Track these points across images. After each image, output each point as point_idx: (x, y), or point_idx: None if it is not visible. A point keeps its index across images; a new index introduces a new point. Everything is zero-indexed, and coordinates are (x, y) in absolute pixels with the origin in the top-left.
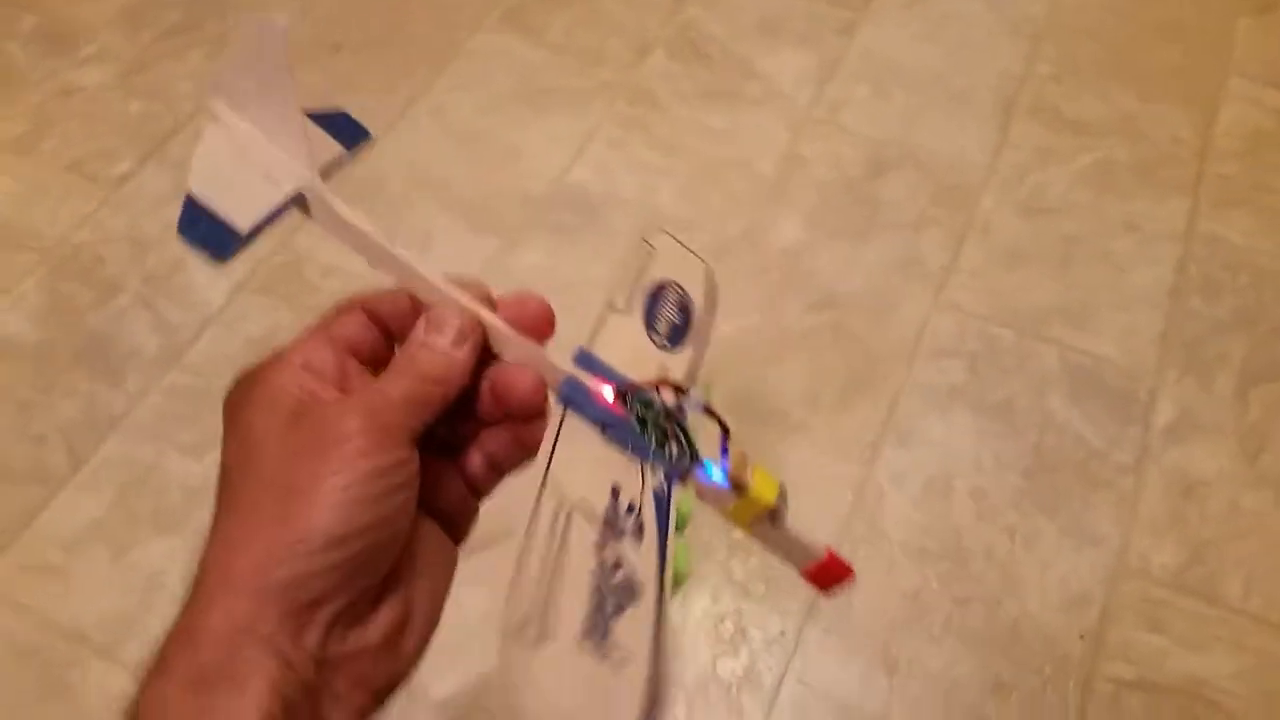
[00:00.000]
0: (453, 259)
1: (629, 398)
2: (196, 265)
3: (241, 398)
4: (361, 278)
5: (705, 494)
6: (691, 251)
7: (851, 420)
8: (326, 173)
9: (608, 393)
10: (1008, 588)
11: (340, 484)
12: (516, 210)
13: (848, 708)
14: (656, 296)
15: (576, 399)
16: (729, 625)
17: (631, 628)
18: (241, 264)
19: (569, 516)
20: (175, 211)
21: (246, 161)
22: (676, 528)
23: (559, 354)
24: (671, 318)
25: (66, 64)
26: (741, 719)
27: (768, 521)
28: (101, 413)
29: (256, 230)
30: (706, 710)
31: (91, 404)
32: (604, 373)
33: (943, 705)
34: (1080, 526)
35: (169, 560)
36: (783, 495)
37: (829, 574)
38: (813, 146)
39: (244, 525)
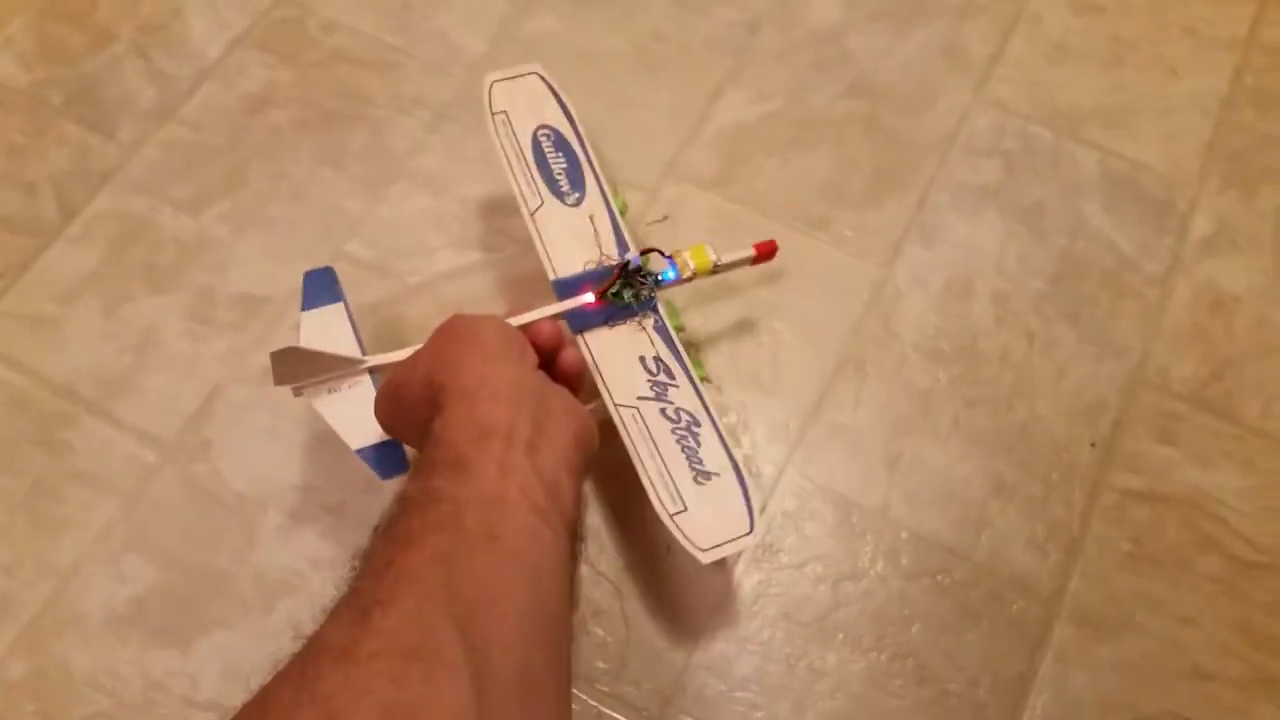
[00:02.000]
0: (465, 20)
1: (605, 290)
2: (193, 14)
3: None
4: (364, 34)
5: (671, 290)
6: (519, 75)
7: (877, 217)
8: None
9: (590, 297)
10: (1020, 392)
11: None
12: None
13: (846, 500)
14: (538, 154)
15: (580, 321)
16: (734, 416)
17: (710, 449)
18: (241, 16)
19: (638, 411)
20: None
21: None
22: (676, 332)
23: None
24: (560, 164)
25: None
26: None
27: (714, 272)
28: (94, 163)
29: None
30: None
31: (83, 154)
32: (577, 283)
33: (943, 501)
34: (1101, 335)
35: (163, 316)
36: (713, 252)
37: (763, 256)
38: None
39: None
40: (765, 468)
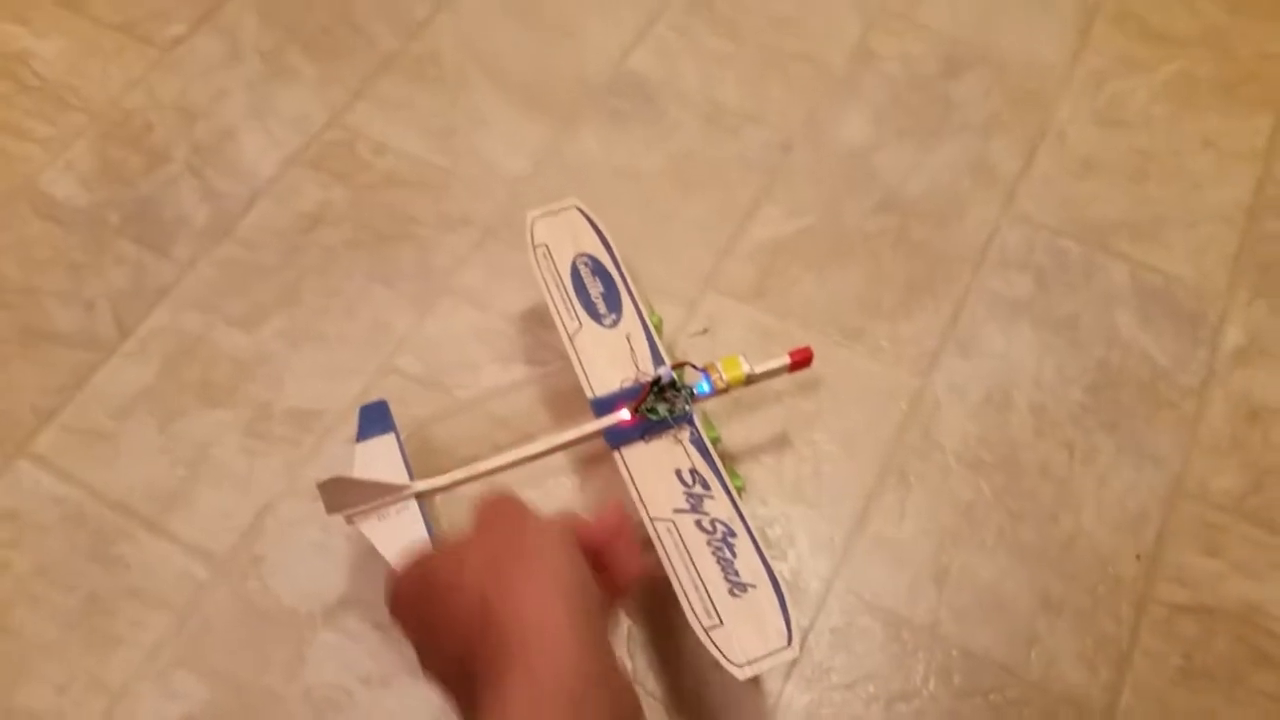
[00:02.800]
0: (507, 143)
1: (640, 404)
2: (246, 135)
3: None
4: (411, 155)
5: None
6: (560, 210)
7: (911, 327)
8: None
9: (625, 414)
10: (1063, 503)
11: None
12: (572, 94)
13: (896, 615)
14: (577, 281)
15: (616, 437)
16: (778, 529)
17: (746, 560)
18: (293, 136)
19: (674, 524)
20: (225, 80)
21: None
22: (714, 444)
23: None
24: (597, 288)
25: None
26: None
27: (749, 382)
28: (150, 281)
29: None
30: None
31: (140, 272)
32: (613, 401)
33: (992, 616)
34: (1140, 445)
35: (218, 431)
36: (748, 363)
37: (800, 364)
38: (885, 41)
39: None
40: (811, 582)
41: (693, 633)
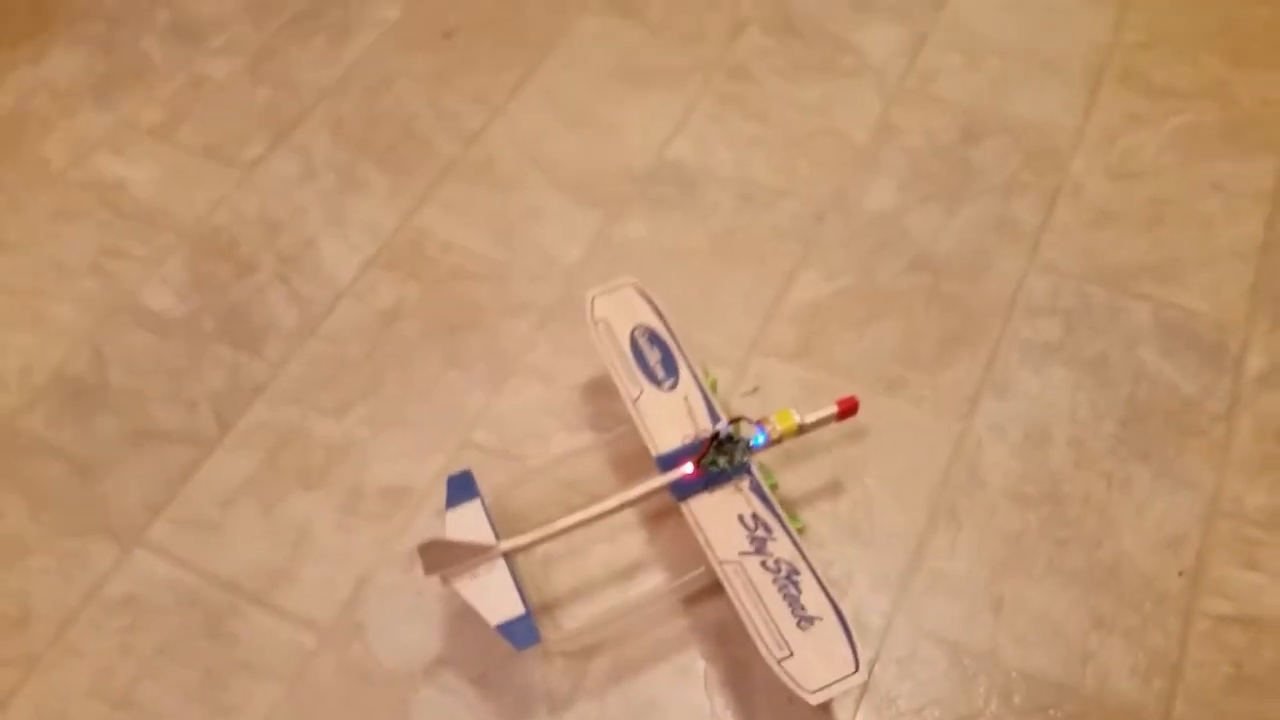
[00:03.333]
0: (562, 233)
1: (702, 458)
2: (326, 244)
3: None
4: (475, 251)
5: (766, 451)
6: (616, 288)
7: (949, 375)
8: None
9: (689, 468)
10: (1106, 529)
11: None
12: (620, 185)
13: (955, 644)
14: (635, 351)
15: (681, 489)
16: (837, 570)
17: (811, 595)
18: (368, 241)
19: (741, 565)
20: (302, 195)
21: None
22: (771, 491)
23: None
24: (655, 356)
25: (198, 54)
26: None
27: (801, 432)
28: (246, 380)
29: (526, 603)
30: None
31: (236, 372)
32: (676, 457)
33: (1047, 638)
34: (1174, 471)
35: (316, 512)
36: (799, 414)
37: (847, 412)
38: (905, 115)
39: None
40: (873, 618)
41: (765, 668)
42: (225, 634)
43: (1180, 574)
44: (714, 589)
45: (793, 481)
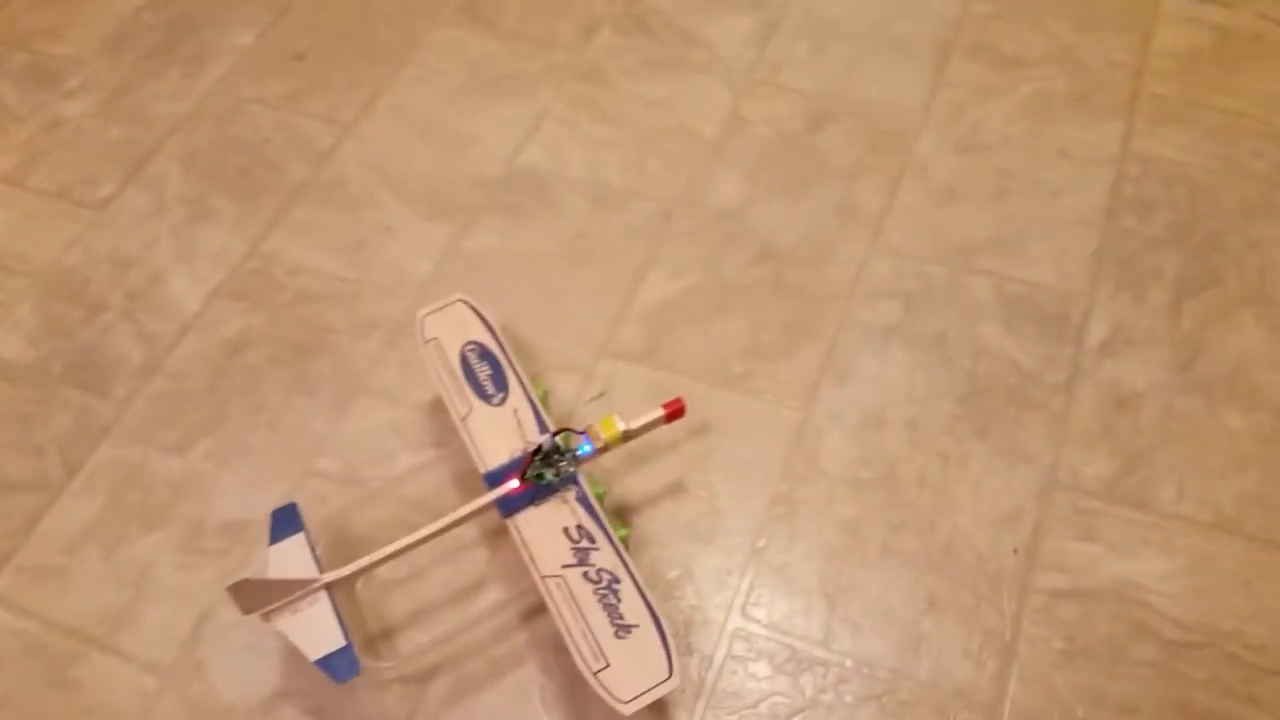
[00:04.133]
0: (413, 248)
1: (525, 472)
2: (174, 277)
3: None
4: (324, 272)
5: (594, 460)
6: (446, 305)
7: (792, 366)
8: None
9: (514, 484)
10: (941, 509)
11: None
12: (471, 195)
13: (791, 636)
14: (466, 368)
15: (507, 505)
16: (677, 571)
17: (630, 603)
18: (216, 271)
19: (563, 578)
20: (153, 229)
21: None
22: (599, 500)
23: None
24: (485, 371)
25: (53, 97)
26: (693, 655)
27: (628, 438)
28: (93, 422)
29: (346, 634)
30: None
31: (84, 414)
32: (503, 473)
33: (882, 624)
34: (1012, 446)
35: (157, 552)
36: (623, 421)
37: (674, 415)
38: (753, 106)
39: None
40: (713, 615)
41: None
42: (68, 681)
43: (1015, 551)
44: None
45: (637, 483)
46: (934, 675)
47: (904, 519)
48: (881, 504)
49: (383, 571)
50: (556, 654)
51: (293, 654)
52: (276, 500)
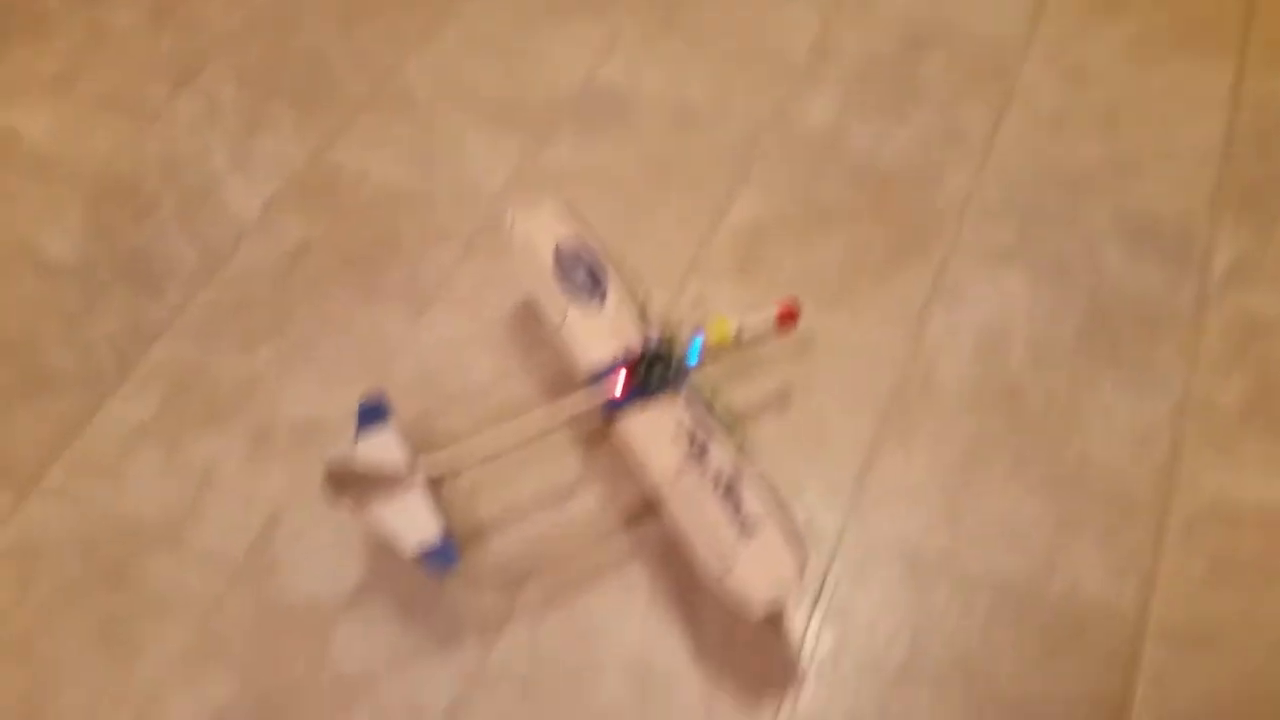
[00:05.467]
0: (484, 161)
1: (633, 371)
2: (230, 184)
3: None
4: (392, 181)
5: (704, 365)
6: (538, 206)
7: (898, 287)
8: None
9: (620, 384)
10: (1070, 431)
11: None
12: (545, 111)
13: (913, 553)
14: (560, 270)
15: (613, 405)
16: (785, 485)
17: (752, 505)
18: (274, 178)
19: (677, 481)
20: (206, 137)
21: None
22: (711, 402)
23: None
24: (581, 274)
25: (99, 5)
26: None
27: (739, 343)
28: (145, 322)
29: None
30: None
31: (136, 315)
32: (607, 374)
33: (1011, 543)
34: (1142, 370)
35: (222, 452)
36: (734, 322)
37: (787, 317)
38: (844, 32)
39: None
40: (825, 530)
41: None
42: (130, 577)
43: (1151, 473)
44: (654, 504)
45: (740, 396)
46: (1071, 592)
47: (1031, 440)
48: (1005, 424)
49: (469, 475)
50: (661, 558)
51: (375, 552)
52: (349, 403)
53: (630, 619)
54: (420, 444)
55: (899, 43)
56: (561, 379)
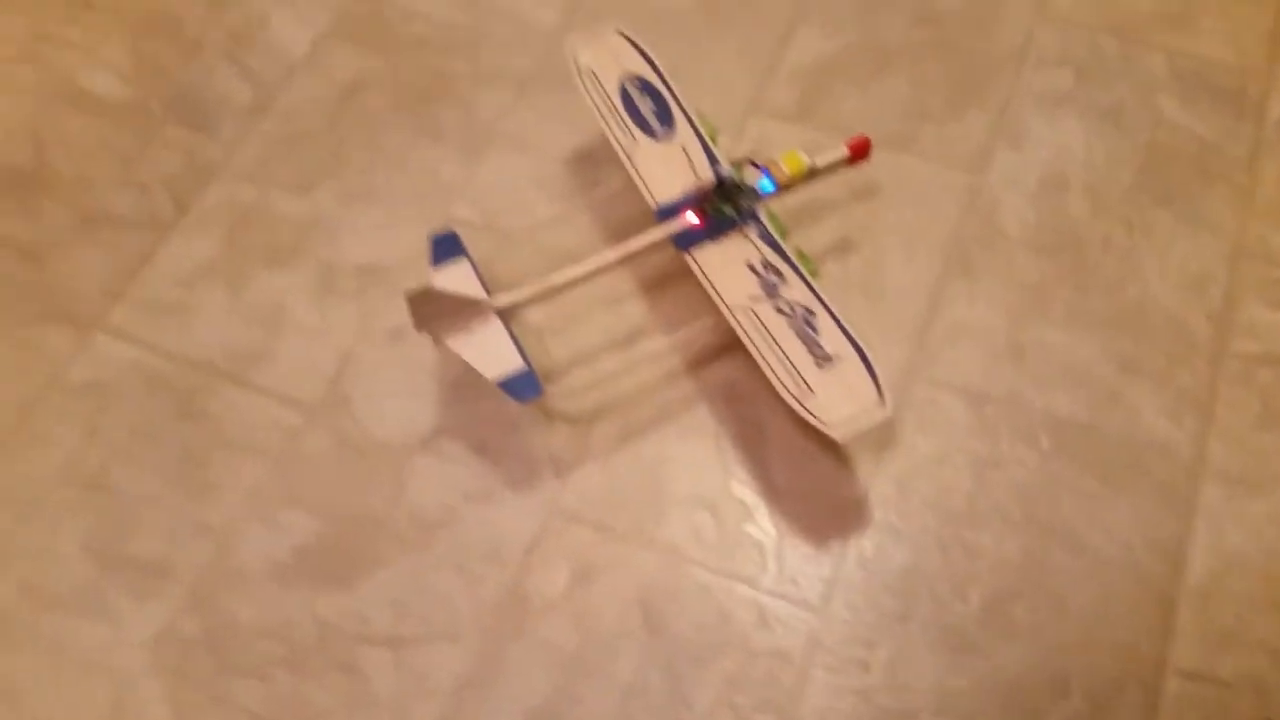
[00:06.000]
0: None
1: (703, 205)
2: (277, 18)
3: None
4: (441, 18)
5: (774, 199)
6: (601, 36)
7: (960, 129)
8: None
9: (691, 217)
10: (1129, 273)
11: None
12: None
13: (977, 391)
14: (626, 101)
15: (685, 239)
16: (852, 324)
17: (829, 335)
18: (321, 14)
19: (752, 311)
20: None
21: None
22: (782, 237)
23: None
24: (648, 105)
25: None
26: None
27: (812, 176)
28: (200, 161)
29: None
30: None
31: (189, 153)
32: (678, 207)
33: (1072, 382)
34: (1197, 215)
35: (288, 291)
36: (808, 157)
37: (859, 153)
38: None
39: None
40: (890, 369)
41: (779, 423)
42: (201, 414)
43: (1207, 317)
44: (722, 349)
45: (802, 239)
46: (1130, 431)
47: (1090, 282)
48: (1065, 267)
49: (536, 318)
50: (729, 400)
51: (447, 392)
52: (412, 244)
53: (700, 458)
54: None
55: None
56: (626, 219)
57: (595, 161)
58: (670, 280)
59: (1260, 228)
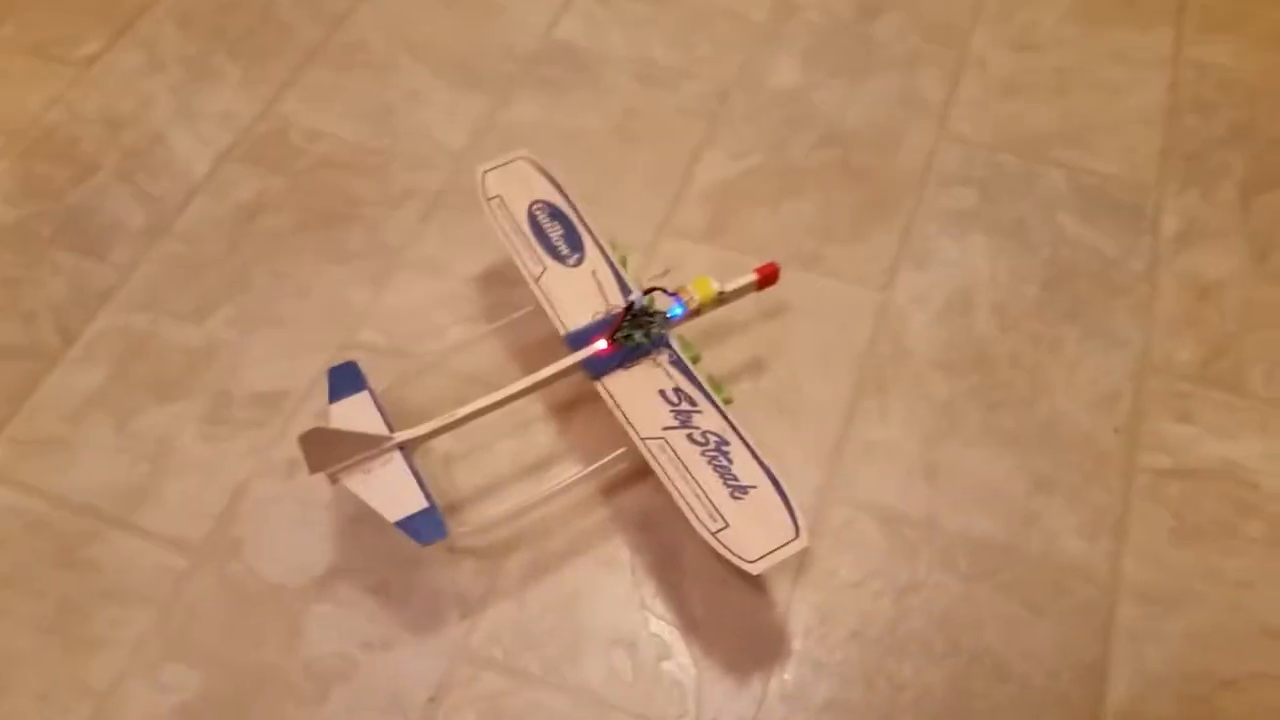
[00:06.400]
0: (444, 118)
1: (614, 332)
2: (176, 138)
3: None
4: (348, 139)
5: (683, 325)
6: (509, 161)
7: (867, 248)
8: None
9: (603, 344)
10: (1038, 390)
11: None
12: (504, 66)
13: (893, 513)
14: (535, 227)
15: (595, 366)
16: (765, 447)
17: (743, 465)
18: (223, 133)
19: (665, 441)
20: (148, 89)
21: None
22: (694, 364)
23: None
24: (557, 231)
25: None
26: None
27: (722, 301)
28: (90, 287)
29: (428, 494)
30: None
31: (79, 279)
32: (588, 334)
33: (987, 502)
34: (1102, 330)
35: (177, 424)
36: (716, 282)
37: (767, 278)
38: None
39: None
40: (805, 492)
41: (695, 552)
42: (82, 561)
43: (1116, 431)
44: (634, 476)
45: (713, 361)
46: (1047, 552)
47: (1000, 399)
48: (975, 385)
49: (443, 445)
50: (643, 528)
51: (345, 528)
52: (313, 370)
53: (615, 591)
54: (391, 413)
55: (854, 7)
56: (536, 343)
57: (506, 283)
58: (581, 405)
59: (1162, 342)
